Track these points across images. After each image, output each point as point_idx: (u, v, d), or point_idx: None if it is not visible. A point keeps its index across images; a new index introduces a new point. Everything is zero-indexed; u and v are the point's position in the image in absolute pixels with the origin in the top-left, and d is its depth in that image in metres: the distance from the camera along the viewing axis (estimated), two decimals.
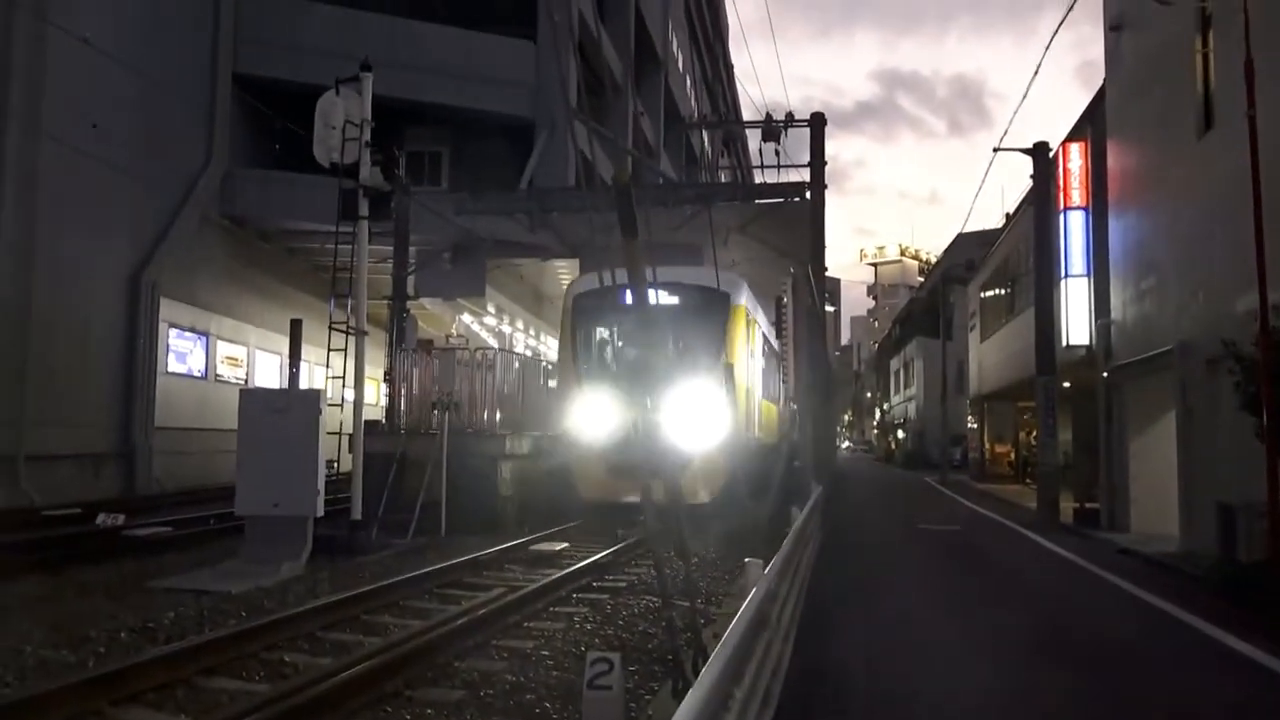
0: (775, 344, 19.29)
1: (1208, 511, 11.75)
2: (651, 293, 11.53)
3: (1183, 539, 12.94)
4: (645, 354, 12.33)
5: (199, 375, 21.67)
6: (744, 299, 14.27)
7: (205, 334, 21.90)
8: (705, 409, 12.53)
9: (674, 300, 13.46)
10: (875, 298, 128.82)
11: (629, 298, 12.50)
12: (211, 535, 12.23)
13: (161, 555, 10.72)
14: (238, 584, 8.64)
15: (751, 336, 14.81)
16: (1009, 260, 27.21)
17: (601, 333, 14.64)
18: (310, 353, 17.82)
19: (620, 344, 14.49)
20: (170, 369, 20.34)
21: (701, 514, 12.20)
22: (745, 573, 5.05)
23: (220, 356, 22.60)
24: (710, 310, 13.45)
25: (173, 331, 20.50)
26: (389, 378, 15.07)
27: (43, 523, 12.96)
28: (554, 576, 8.99)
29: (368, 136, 11.96)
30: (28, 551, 10.34)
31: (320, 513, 10.40)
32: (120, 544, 11.21)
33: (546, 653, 6.46)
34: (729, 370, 13.31)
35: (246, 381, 23.06)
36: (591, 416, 13.05)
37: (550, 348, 24.50)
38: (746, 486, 13.84)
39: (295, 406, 10.59)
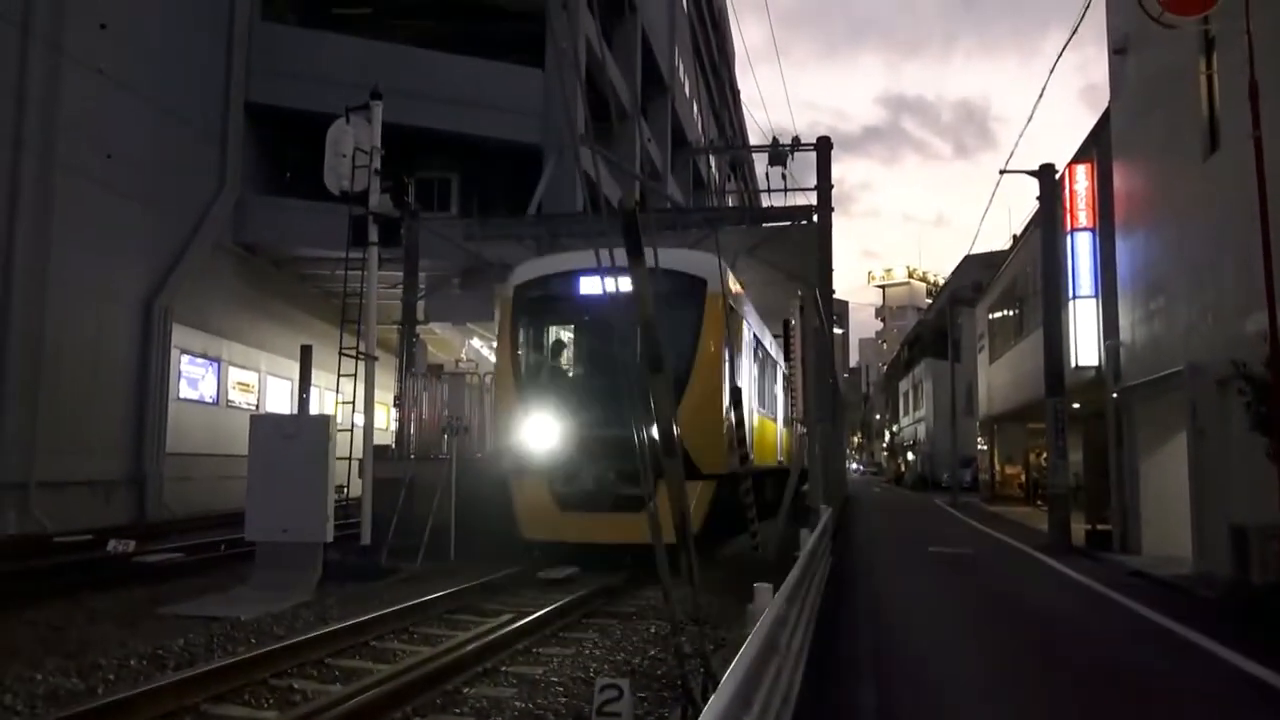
0: (774, 351, 17.67)
1: (1220, 533, 11.67)
2: (609, 281, 10.50)
3: (1196, 561, 12.84)
4: (613, 359, 10.41)
5: (210, 401, 21.78)
6: (725, 286, 11.80)
7: (217, 360, 22.03)
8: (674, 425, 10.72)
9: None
10: (883, 320, 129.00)
11: (583, 286, 11.38)
12: (221, 561, 12.24)
13: (172, 581, 10.75)
14: (247, 610, 8.65)
15: (736, 335, 12.42)
16: (1016, 282, 27.20)
17: (550, 332, 12.45)
18: (320, 378, 17.93)
19: (574, 345, 12.33)
20: (182, 395, 20.46)
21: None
22: (754, 598, 5.03)
23: (231, 382, 22.73)
24: (680, 299, 10.91)
25: (185, 358, 20.64)
26: (398, 402, 15.12)
27: (54, 549, 13.01)
28: (563, 601, 8.97)
29: (377, 164, 12.10)
30: (39, 578, 10.39)
31: (330, 538, 10.42)
32: (131, 570, 11.24)
33: (555, 679, 6.44)
34: (706, 374, 11.10)
35: (258, 407, 23.17)
36: (537, 437, 11.00)
37: None
38: (736, 516, 11.90)
39: (305, 432, 10.64)
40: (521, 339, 12.06)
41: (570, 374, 12.11)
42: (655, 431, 9.57)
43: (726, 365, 11.52)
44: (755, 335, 14.64)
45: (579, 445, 10.79)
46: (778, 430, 17.59)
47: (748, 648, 3.75)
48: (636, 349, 10.30)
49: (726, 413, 11.41)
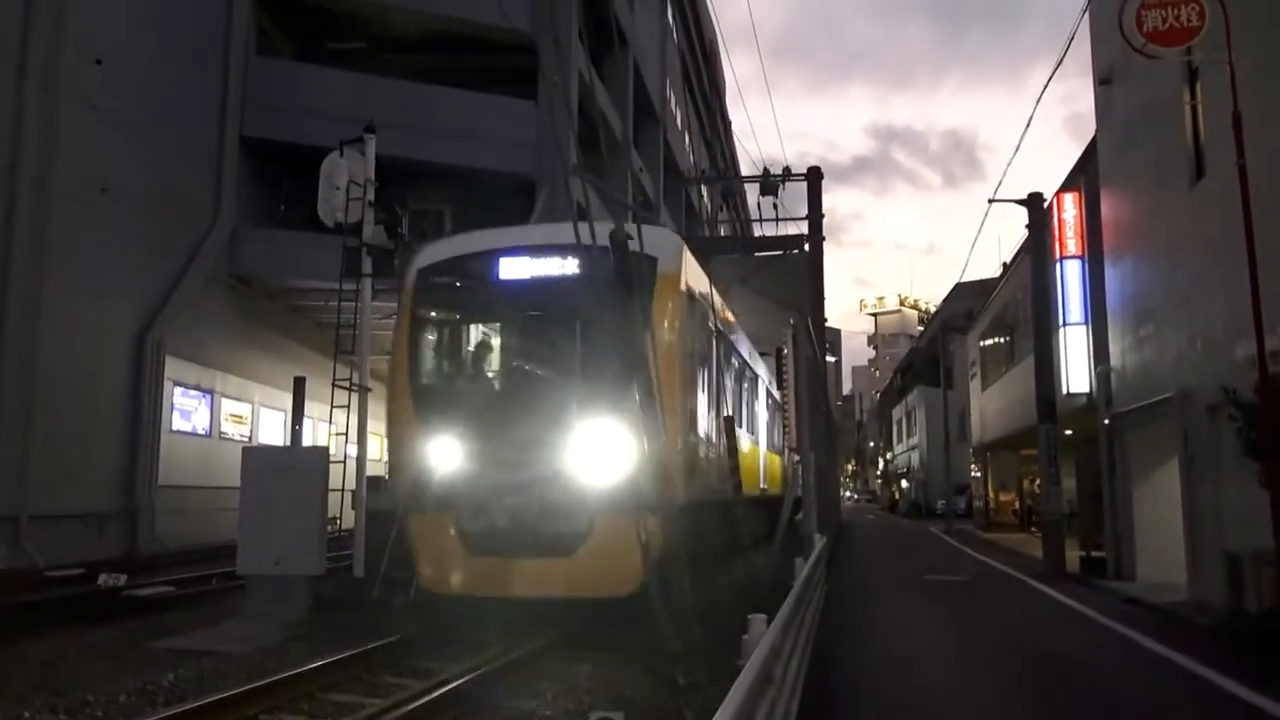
0: (758, 367, 16.28)
1: (1214, 559, 11.67)
2: (537, 262, 9.08)
3: (1190, 588, 12.83)
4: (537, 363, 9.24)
5: (203, 433, 21.69)
6: (682, 266, 9.20)
7: (210, 391, 21.97)
8: (618, 444, 8.07)
9: (565, 270, 8.76)
10: (876, 347, 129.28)
11: (504, 269, 9.34)
12: (213, 594, 12.17)
13: (163, 615, 10.67)
14: (238, 644, 8.59)
15: (699, 328, 9.98)
16: (1007, 309, 27.36)
17: (461, 329, 10.22)
18: (314, 409, 17.89)
19: (494, 343, 10.17)
20: (174, 427, 20.37)
21: (624, 609, 7.98)
22: (749, 628, 5.03)
23: (225, 414, 22.64)
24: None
25: (178, 389, 20.57)
26: None
27: (45, 584, 12.90)
28: (557, 632, 8.92)
29: (371, 196, 12.16)
30: (30, 613, 10.29)
31: (322, 571, 10.36)
32: (122, 604, 11.16)
33: (549, 712, 6.40)
34: (660, 378, 8.15)
35: (251, 439, 23.07)
36: (440, 461, 8.78)
37: None
38: (705, 558, 9.87)
39: (298, 464, 10.62)
40: (424, 337, 9.74)
41: (485, 380, 9.90)
42: (597, 451, 8.10)
43: (682, 363, 9.01)
44: (728, 338, 12.35)
45: (492, 469, 8.60)
46: (760, 454, 15.86)
47: (741, 680, 3.75)
48: (570, 348, 8.83)
49: (680, 426, 8.84)
